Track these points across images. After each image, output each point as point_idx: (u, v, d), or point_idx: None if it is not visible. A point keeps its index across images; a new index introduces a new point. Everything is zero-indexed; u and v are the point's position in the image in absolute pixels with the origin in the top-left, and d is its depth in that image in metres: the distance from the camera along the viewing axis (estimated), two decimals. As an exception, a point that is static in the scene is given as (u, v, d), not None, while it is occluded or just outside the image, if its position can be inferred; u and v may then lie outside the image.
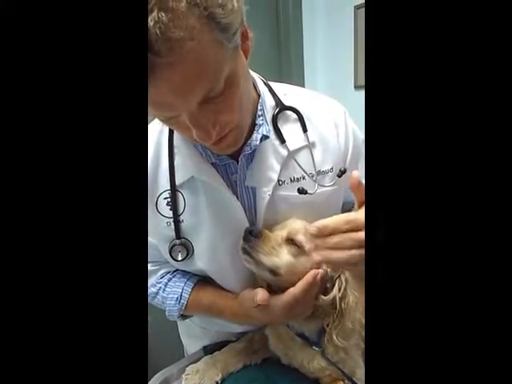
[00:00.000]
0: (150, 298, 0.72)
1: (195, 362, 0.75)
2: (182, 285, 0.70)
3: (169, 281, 0.71)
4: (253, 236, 0.57)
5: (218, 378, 0.70)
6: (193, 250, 0.65)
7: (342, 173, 0.63)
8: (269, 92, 0.64)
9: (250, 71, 0.63)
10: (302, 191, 0.61)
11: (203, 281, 0.71)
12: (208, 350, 0.79)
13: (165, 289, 0.70)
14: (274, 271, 0.58)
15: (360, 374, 0.65)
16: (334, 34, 1.55)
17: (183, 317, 0.73)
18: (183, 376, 0.72)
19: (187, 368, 0.73)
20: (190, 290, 0.69)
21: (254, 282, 0.67)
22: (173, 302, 0.69)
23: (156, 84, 0.40)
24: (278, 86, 0.66)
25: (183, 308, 0.69)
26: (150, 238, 0.66)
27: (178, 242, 0.64)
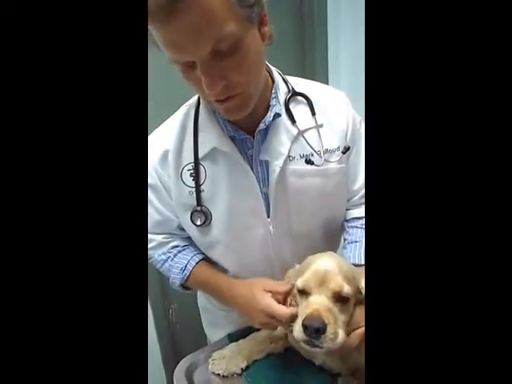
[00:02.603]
0: (159, 265, 0.82)
1: (221, 348, 0.78)
2: (189, 258, 0.80)
3: (178, 252, 0.81)
4: (321, 333, 0.54)
5: (243, 365, 0.73)
6: (211, 218, 0.73)
7: (346, 150, 0.72)
8: (282, 81, 0.73)
9: (270, 65, 0.73)
10: (308, 161, 0.70)
11: (208, 260, 0.81)
12: (233, 337, 0.82)
13: (173, 258, 0.80)
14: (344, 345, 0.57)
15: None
16: (358, 31, 1.53)
17: (184, 288, 0.82)
18: (210, 361, 0.75)
19: (213, 354, 0.76)
20: (194, 263, 0.79)
21: (268, 250, 0.75)
22: (177, 271, 0.79)
23: (174, 25, 0.49)
24: (291, 78, 0.76)
25: (185, 278, 0.79)
26: (166, 212, 0.76)
27: (198, 208, 0.72)
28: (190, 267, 0.79)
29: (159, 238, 0.80)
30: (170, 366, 1.53)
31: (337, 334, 0.55)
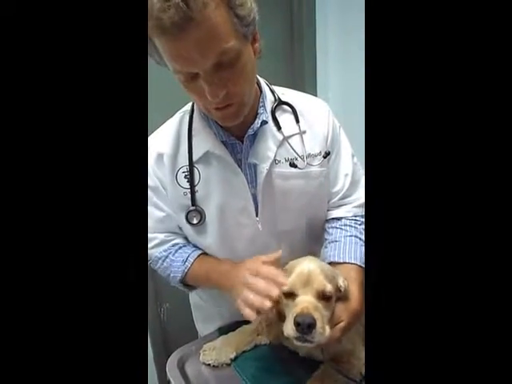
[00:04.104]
0: (159, 262, 0.85)
1: (211, 341, 0.82)
2: (190, 252, 0.84)
3: (179, 248, 0.85)
4: (311, 327, 0.58)
5: (232, 356, 0.78)
6: (205, 217, 0.79)
7: (326, 154, 0.80)
8: (269, 90, 0.80)
9: (258, 76, 0.78)
10: (292, 165, 0.76)
11: (207, 254, 0.85)
12: (222, 331, 0.87)
13: (174, 253, 0.84)
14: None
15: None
16: (346, 44, 1.59)
17: (185, 285, 0.85)
18: (201, 352, 0.79)
19: (204, 345, 0.81)
20: (195, 256, 0.83)
21: (256, 247, 0.79)
22: (178, 264, 0.82)
23: (185, 40, 0.54)
24: (277, 88, 0.83)
25: (187, 270, 0.82)
26: (167, 209, 0.81)
27: (193, 208, 0.78)
28: (191, 259, 0.82)
29: (161, 236, 0.84)
30: (161, 363, 1.56)
31: (324, 328, 0.60)
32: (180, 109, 0.83)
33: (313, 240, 0.87)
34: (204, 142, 0.75)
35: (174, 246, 0.85)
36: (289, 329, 0.61)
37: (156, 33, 0.55)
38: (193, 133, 0.77)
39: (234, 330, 0.84)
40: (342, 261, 0.78)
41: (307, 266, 0.66)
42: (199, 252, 0.84)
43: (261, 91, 0.78)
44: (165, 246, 0.85)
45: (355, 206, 0.86)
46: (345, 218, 0.85)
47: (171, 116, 0.83)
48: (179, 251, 0.84)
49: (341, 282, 0.68)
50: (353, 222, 0.85)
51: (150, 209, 0.80)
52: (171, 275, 0.84)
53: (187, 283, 0.86)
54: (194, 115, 0.78)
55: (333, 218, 0.86)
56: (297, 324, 0.59)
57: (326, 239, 0.87)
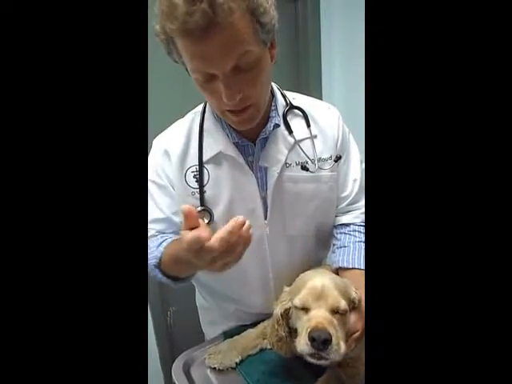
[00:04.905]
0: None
1: (216, 344, 0.83)
2: (167, 237, 0.77)
3: (157, 237, 0.78)
4: (327, 343, 0.56)
5: (238, 360, 0.78)
6: (212, 218, 0.77)
7: (337, 158, 0.80)
8: (281, 95, 0.81)
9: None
10: (304, 168, 0.76)
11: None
12: (228, 334, 0.87)
13: (154, 241, 0.76)
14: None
15: None
16: (351, 47, 1.60)
17: (165, 275, 0.72)
18: (206, 356, 0.80)
19: (210, 349, 0.81)
20: (170, 240, 0.74)
21: (263, 251, 0.79)
22: (154, 248, 0.73)
23: (208, 42, 0.55)
24: (288, 93, 0.84)
25: (160, 255, 0.70)
26: (167, 211, 0.78)
27: (201, 208, 0.77)
28: (165, 243, 0.75)
29: (152, 232, 0.80)
30: (167, 366, 1.56)
31: (340, 345, 0.58)
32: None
33: (320, 245, 0.87)
34: (216, 143, 0.76)
35: (163, 241, 0.77)
36: (302, 344, 0.58)
37: (179, 34, 0.56)
38: (204, 133, 0.77)
39: (239, 334, 0.84)
40: (350, 266, 0.78)
41: (320, 280, 0.64)
42: (176, 237, 0.77)
43: (273, 95, 0.79)
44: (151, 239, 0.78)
45: (363, 213, 0.85)
46: (353, 223, 0.85)
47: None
48: (155, 238, 0.78)
49: (354, 294, 0.66)
50: (361, 227, 0.84)
51: (149, 206, 0.78)
52: (149, 262, 0.72)
53: (167, 272, 0.72)
54: (206, 116, 0.78)
55: (341, 224, 0.86)
56: (311, 339, 0.56)
57: (334, 244, 0.86)
